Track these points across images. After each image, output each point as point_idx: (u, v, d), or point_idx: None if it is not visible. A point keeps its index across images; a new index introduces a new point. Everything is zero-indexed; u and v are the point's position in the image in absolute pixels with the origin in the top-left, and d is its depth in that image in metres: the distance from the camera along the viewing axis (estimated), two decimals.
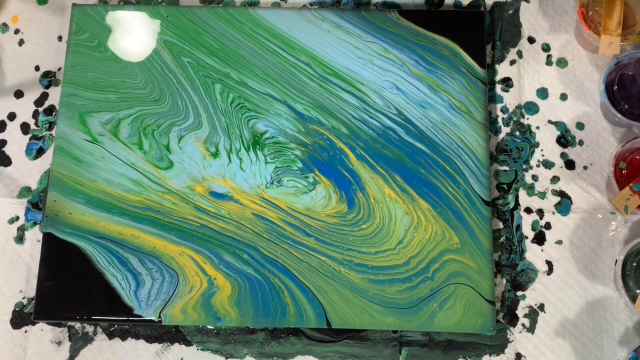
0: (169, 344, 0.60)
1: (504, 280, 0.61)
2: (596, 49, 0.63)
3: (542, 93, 0.65)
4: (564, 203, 0.62)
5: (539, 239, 0.61)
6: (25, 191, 0.64)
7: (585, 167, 0.63)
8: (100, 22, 0.65)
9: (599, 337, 0.59)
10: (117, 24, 0.65)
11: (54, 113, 0.66)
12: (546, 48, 0.66)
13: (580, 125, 0.64)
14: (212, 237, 0.59)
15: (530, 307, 0.60)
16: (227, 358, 0.60)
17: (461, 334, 0.59)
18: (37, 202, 0.64)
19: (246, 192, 0.61)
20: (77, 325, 0.61)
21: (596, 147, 0.63)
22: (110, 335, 0.60)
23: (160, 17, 0.65)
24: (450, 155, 0.61)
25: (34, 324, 0.61)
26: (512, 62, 0.66)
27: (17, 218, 0.63)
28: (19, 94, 0.67)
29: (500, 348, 0.59)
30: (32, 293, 0.61)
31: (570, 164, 0.63)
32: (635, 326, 0.59)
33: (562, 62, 0.65)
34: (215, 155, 0.62)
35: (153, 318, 0.58)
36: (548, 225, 0.62)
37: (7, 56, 0.68)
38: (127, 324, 0.60)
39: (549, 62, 0.65)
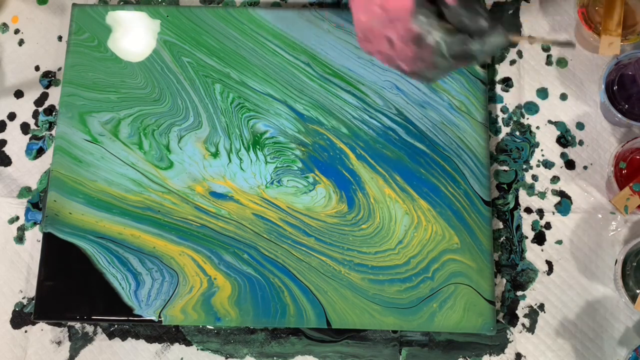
0: (169, 344, 0.60)
1: (504, 280, 0.61)
2: (596, 49, 0.63)
3: (542, 93, 0.65)
4: (564, 203, 0.62)
5: (539, 239, 0.61)
6: (25, 191, 0.64)
7: (585, 167, 0.63)
8: (100, 22, 0.65)
9: (599, 337, 0.59)
10: (117, 24, 0.65)
11: (54, 113, 0.66)
12: (546, 48, 0.66)
13: (580, 125, 0.64)
14: (212, 237, 0.59)
15: (530, 307, 0.60)
16: (227, 358, 0.60)
17: (461, 334, 0.59)
18: (37, 202, 0.64)
19: (246, 192, 0.61)
20: (77, 325, 0.61)
21: (596, 147, 0.63)
22: (110, 335, 0.60)
23: (160, 17, 0.65)
24: (450, 155, 0.61)
25: (34, 324, 0.61)
26: (512, 62, 0.66)
27: (17, 218, 0.63)
28: (19, 94, 0.67)
29: (500, 348, 0.59)
30: (32, 293, 0.61)
31: (570, 164, 0.63)
32: (635, 326, 0.59)
33: (562, 62, 0.65)
34: (215, 155, 0.62)
35: (153, 318, 0.58)
36: (548, 225, 0.62)
37: (7, 56, 0.68)
38: (127, 324, 0.60)
39: (549, 62, 0.65)
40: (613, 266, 0.60)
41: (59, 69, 0.67)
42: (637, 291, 0.57)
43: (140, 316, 0.58)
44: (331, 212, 0.60)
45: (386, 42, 0.43)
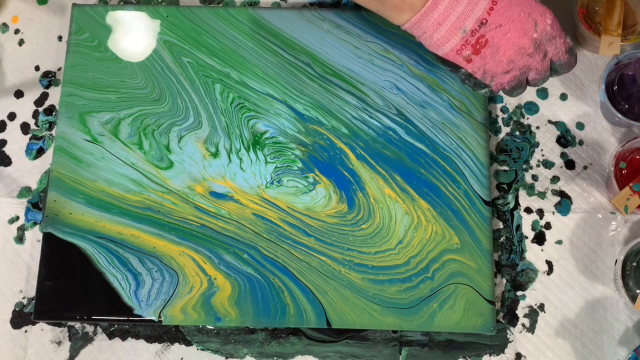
0: (169, 344, 0.60)
1: (504, 280, 0.61)
2: (596, 49, 0.63)
3: (542, 93, 0.65)
4: (564, 203, 0.62)
5: (539, 239, 0.61)
6: (25, 191, 0.64)
7: (585, 167, 0.63)
8: (100, 22, 0.65)
9: (599, 337, 0.59)
10: (117, 24, 0.65)
11: (54, 113, 0.66)
12: None
13: (580, 125, 0.64)
14: (212, 237, 0.59)
15: (530, 307, 0.60)
16: (227, 358, 0.60)
17: (461, 334, 0.59)
18: (37, 202, 0.64)
19: (246, 192, 0.61)
20: (77, 325, 0.61)
21: (596, 147, 0.63)
22: (110, 335, 0.60)
23: (160, 17, 0.65)
24: (450, 155, 0.61)
25: (34, 324, 0.61)
26: None
27: (17, 218, 0.63)
28: (19, 94, 0.67)
29: (500, 348, 0.59)
30: (32, 293, 0.61)
31: (570, 164, 0.63)
32: (635, 326, 0.59)
33: None
34: (215, 155, 0.62)
35: (153, 318, 0.58)
36: (548, 225, 0.62)
37: (7, 56, 0.68)
38: (127, 324, 0.60)
39: None
40: (613, 266, 0.60)
41: (59, 69, 0.67)
42: (637, 291, 0.57)
43: (140, 316, 0.58)
44: (331, 212, 0.60)
45: (542, 56, 0.53)
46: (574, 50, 0.54)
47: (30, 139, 0.65)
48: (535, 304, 0.60)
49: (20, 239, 0.63)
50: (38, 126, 0.66)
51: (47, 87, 0.67)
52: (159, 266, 0.59)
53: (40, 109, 0.66)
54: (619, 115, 0.59)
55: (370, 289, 0.58)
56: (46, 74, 0.67)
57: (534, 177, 0.63)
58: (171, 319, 0.58)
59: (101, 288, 0.58)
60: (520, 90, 0.55)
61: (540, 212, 0.62)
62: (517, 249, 0.61)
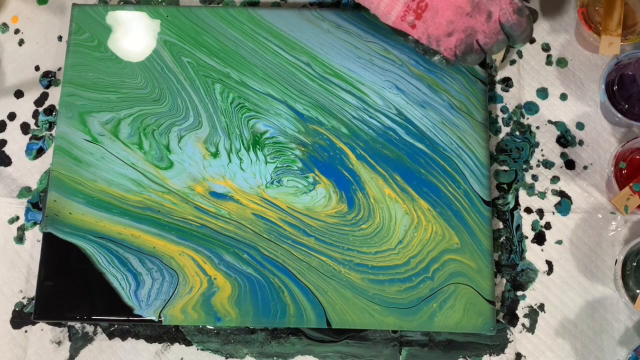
0: (169, 344, 0.60)
1: (504, 280, 0.61)
2: (596, 49, 0.63)
3: (542, 93, 0.65)
4: (564, 203, 0.62)
5: (539, 239, 0.61)
6: (25, 191, 0.64)
7: (585, 167, 0.63)
8: (100, 22, 0.65)
9: (599, 337, 0.59)
10: (117, 24, 0.65)
11: (54, 113, 0.66)
12: (546, 48, 0.66)
13: (580, 125, 0.64)
14: (212, 237, 0.59)
15: (530, 307, 0.60)
16: (227, 358, 0.60)
17: (461, 334, 0.59)
18: (37, 202, 0.64)
19: (246, 192, 0.61)
20: (77, 325, 0.61)
21: (596, 147, 0.63)
22: (110, 335, 0.60)
23: (160, 17, 0.65)
24: (450, 155, 0.61)
25: (34, 324, 0.61)
26: (512, 62, 0.66)
27: (17, 218, 0.63)
28: (19, 94, 0.67)
29: (500, 348, 0.59)
30: (32, 293, 0.61)
31: (570, 164, 0.63)
32: (635, 326, 0.59)
33: (562, 62, 0.65)
34: (215, 155, 0.62)
35: (153, 318, 0.58)
36: (548, 225, 0.62)
37: (7, 56, 0.68)
38: (127, 324, 0.60)
39: (549, 62, 0.65)
40: (613, 266, 0.60)
41: (59, 69, 0.67)
42: (637, 291, 0.57)
43: (140, 316, 0.58)
44: (331, 212, 0.60)
45: (485, 16, 0.52)
46: (525, 10, 0.52)
47: (30, 139, 0.65)
48: (535, 304, 0.60)
49: (20, 239, 0.63)
50: (38, 126, 0.66)
51: (47, 87, 0.67)
52: (159, 266, 0.59)
53: (40, 109, 0.66)
54: (619, 115, 0.59)
55: (370, 289, 0.58)
56: (46, 74, 0.67)
57: (534, 177, 0.63)
58: (171, 319, 0.58)
59: (101, 288, 0.58)
60: (474, 56, 0.54)
61: (540, 212, 0.62)
62: (517, 249, 0.61)
